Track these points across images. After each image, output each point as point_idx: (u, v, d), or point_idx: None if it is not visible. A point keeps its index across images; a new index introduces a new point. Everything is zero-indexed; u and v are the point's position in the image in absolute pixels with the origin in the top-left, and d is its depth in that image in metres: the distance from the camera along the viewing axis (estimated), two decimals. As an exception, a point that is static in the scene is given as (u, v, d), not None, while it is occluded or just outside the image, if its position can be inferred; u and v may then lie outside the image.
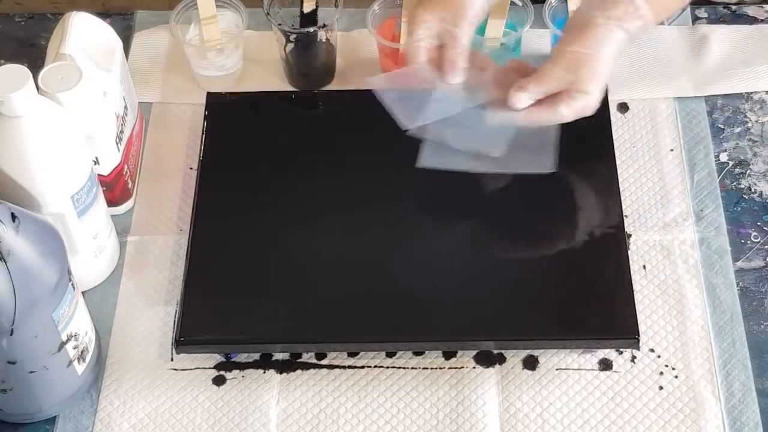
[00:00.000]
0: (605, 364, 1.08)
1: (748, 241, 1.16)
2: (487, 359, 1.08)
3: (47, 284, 0.95)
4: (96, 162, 1.13)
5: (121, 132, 1.17)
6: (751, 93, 1.27)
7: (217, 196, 1.16)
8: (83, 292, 1.07)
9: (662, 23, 1.32)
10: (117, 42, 1.19)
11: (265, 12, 1.24)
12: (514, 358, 1.08)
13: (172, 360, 1.09)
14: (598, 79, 1.06)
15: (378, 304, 1.08)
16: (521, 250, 1.12)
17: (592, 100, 1.06)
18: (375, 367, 1.08)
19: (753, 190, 1.19)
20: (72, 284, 1.00)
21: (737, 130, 1.24)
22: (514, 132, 1.10)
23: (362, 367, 1.09)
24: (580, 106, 1.06)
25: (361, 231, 1.13)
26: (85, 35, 1.13)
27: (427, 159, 1.12)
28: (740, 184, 1.20)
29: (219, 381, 1.08)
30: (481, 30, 1.25)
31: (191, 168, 1.22)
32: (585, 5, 1.07)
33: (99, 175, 1.12)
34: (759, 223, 1.17)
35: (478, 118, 1.11)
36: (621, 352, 1.08)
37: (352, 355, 1.09)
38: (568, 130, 1.19)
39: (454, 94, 1.11)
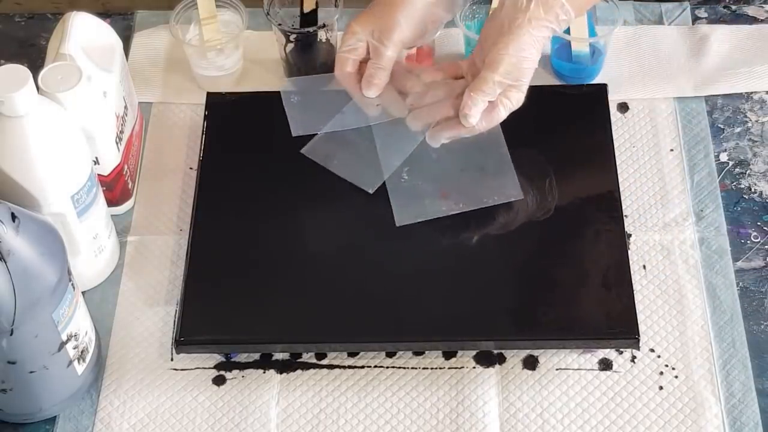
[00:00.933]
0: (605, 364, 1.08)
1: (748, 241, 1.16)
2: (487, 359, 1.08)
3: (47, 284, 0.95)
4: (96, 162, 1.13)
5: (121, 132, 1.17)
6: (751, 93, 1.27)
7: (217, 196, 1.16)
8: (83, 292, 1.07)
9: (662, 23, 1.32)
10: (117, 42, 1.19)
11: (265, 12, 1.24)
12: (514, 358, 1.08)
13: (172, 360, 1.09)
14: (529, 78, 1.08)
15: (378, 304, 1.08)
16: (521, 250, 1.12)
17: (522, 97, 1.08)
18: (375, 367, 1.08)
19: (753, 190, 1.19)
20: (72, 284, 1.00)
21: (737, 130, 1.24)
22: (410, 150, 1.13)
23: (362, 367, 1.09)
24: (514, 105, 1.08)
25: (362, 231, 1.13)
26: (85, 35, 1.13)
27: (402, 217, 1.13)
28: (740, 184, 1.20)
29: (219, 381, 1.08)
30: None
31: (191, 168, 1.22)
32: (511, 5, 1.07)
33: (99, 175, 1.12)
34: (759, 223, 1.17)
35: (381, 134, 1.14)
36: (621, 352, 1.08)
37: (352, 355, 1.09)
38: (568, 130, 1.19)
39: (361, 111, 1.14)
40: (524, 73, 1.07)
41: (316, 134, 1.17)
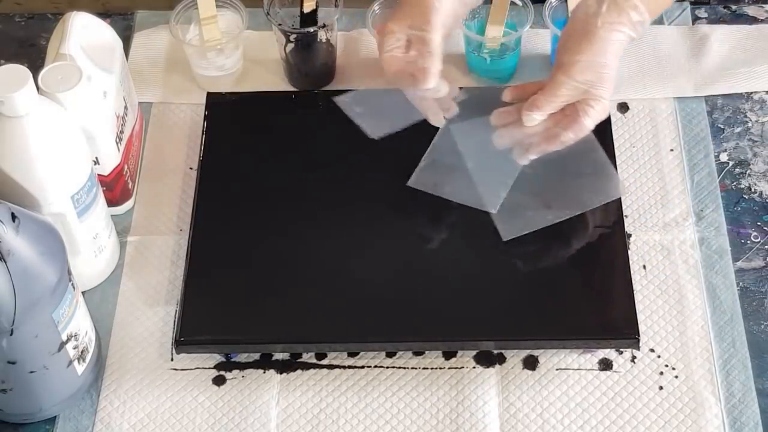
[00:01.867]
0: (605, 364, 1.08)
1: (748, 241, 1.16)
2: (487, 359, 1.08)
3: (47, 284, 0.95)
4: (96, 162, 1.13)
5: (121, 132, 1.17)
6: (751, 93, 1.27)
7: (217, 196, 1.16)
8: (83, 292, 1.07)
9: (662, 23, 1.32)
10: (117, 42, 1.19)
11: (265, 12, 1.24)
12: (514, 358, 1.08)
13: (172, 360, 1.09)
14: (610, 85, 1.06)
15: (378, 304, 1.08)
16: (521, 250, 1.12)
17: (606, 105, 1.06)
18: (375, 367, 1.08)
19: (753, 190, 1.19)
20: (72, 284, 1.00)
21: (737, 130, 1.24)
22: (509, 185, 1.11)
23: (362, 367, 1.09)
24: (598, 114, 1.06)
25: (362, 230, 1.13)
26: (85, 35, 1.13)
27: (507, 231, 1.11)
28: (740, 184, 1.20)
29: (219, 381, 1.08)
30: (481, 30, 1.25)
31: (191, 168, 1.22)
32: (583, 11, 1.07)
33: (99, 175, 1.12)
34: (759, 223, 1.17)
35: (484, 162, 1.12)
36: (621, 352, 1.08)
37: (352, 355, 1.09)
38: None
39: (452, 138, 1.12)
40: (602, 79, 1.05)
41: (396, 130, 1.14)
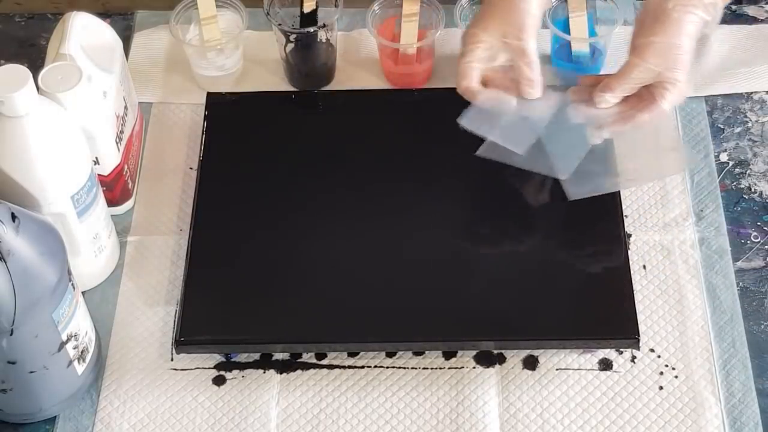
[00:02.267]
0: (605, 364, 1.08)
1: (748, 241, 1.16)
2: (487, 359, 1.08)
3: (47, 284, 0.95)
4: (96, 162, 1.13)
5: (121, 132, 1.17)
6: (751, 93, 1.27)
7: (217, 196, 1.16)
8: (83, 292, 1.07)
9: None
10: (117, 42, 1.19)
11: (265, 12, 1.24)
12: (514, 358, 1.08)
13: (172, 360, 1.09)
14: (685, 67, 1.05)
15: (378, 304, 1.08)
16: (521, 250, 1.12)
17: (683, 88, 1.06)
18: (375, 367, 1.08)
19: (753, 190, 1.19)
20: (72, 284, 1.00)
21: (737, 130, 1.24)
22: (581, 157, 1.10)
23: (362, 367, 1.09)
24: (675, 97, 1.06)
25: (361, 231, 1.13)
26: (85, 35, 1.13)
27: (574, 191, 1.10)
28: (740, 184, 1.20)
29: (219, 381, 1.08)
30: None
31: (191, 168, 1.22)
32: None
33: (99, 175, 1.12)
34: (759, 223, 1.17)
35: (558, 134, 1.10)
36: (621, 352, 1.08)
37: (352, 355, 1.09)
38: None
39: (534, 110, 1.10)
40: (677, 62, 1.04)
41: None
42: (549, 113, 1.10)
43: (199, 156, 1.19)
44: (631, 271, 1.10)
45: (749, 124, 1.24)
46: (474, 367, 1.08)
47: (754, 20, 1.33)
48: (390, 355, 1.09)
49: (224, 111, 1.23)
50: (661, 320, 1.10)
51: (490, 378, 1.07)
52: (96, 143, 1.12)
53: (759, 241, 1.16)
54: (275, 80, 1.29)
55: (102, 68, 1.14)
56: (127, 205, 1.20)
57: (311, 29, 1.24)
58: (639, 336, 1.05)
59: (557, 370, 1.08)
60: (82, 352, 1.04)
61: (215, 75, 1.28)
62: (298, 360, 1.09)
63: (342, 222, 1.14)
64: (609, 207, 1.13)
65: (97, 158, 1.13)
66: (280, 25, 1.24)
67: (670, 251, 1.15)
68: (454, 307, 1.08)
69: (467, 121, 1.10)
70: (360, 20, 1.31)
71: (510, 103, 1.09)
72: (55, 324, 0.98)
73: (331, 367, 1.09)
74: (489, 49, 1.07)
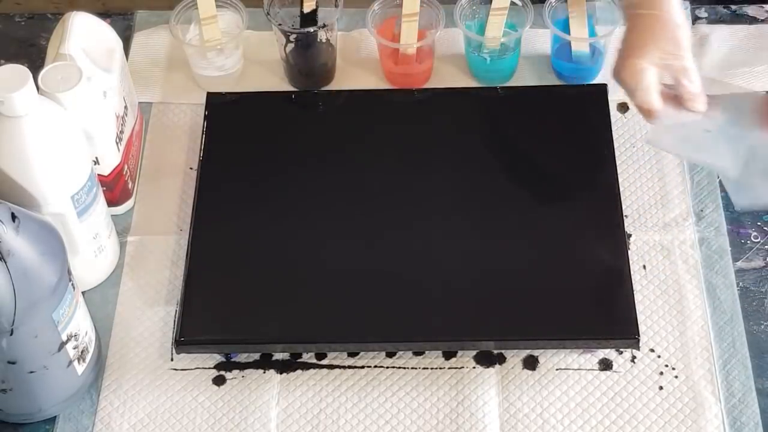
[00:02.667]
0: (605, 364, 1.08)
1: (748, 241, 1.16)
2: (487, 359, 1.08)
3: (47, 284, 0.95)
4: (96, 162, 1.13)
5: (121, 132, 1.17)
6: (751, 93, 1.27)
7: (217, 196, 1.16)
8: (83, 292, 1.07)
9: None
10: (117, 42, 1.19)
11: (265, 12, 1.24)
12: (514, 358, 1.08)
13: (172, 360, 1.09)
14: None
15: (378, 304, 1.08)
16: (521, 250, 1.12)
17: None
18: (375, 367, 1.08)
19: (753, 190, 1.19)
20: (72, 284, 1.00)
21: (737, 130, 1.24)
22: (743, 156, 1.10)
23: (362, 367, 1.09)
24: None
25: (361, 231, 1.13)
26: (85, 35, 1.13)
27: (741, 201, 1.10)
28: (740, 184, 1.20)
29: (219, 381, 1.08)
30: (481, 30, 1.25)
31: (191, 168, 1.22)
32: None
33: (99, 175, 1.12)
34: (759, 223, 1.17)
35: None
36: (621, 352, 1.08)
37: (352, 355, 1.09)
38: (569, 130, 1.19)
39: (712, 121, 1.10)
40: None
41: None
42: (722, 120, 1.09)
43: (199, 156, 1.19)
44: (631, 271, 1.10)
45: (749, 124, 1.24)
46: (474, 367, 1.08)
47: (754, 20, 1.33)
48: (390, 355, 1.09)
49: (224, 111, 1.23)
50: (661, 320, 1.10)
51: (490, 378, 1.07)
52: (96, 143, 1.12)
53: (759, 241, 1.16)
54: (275, 80, 1.29)
55: (102, 68, 1.14)
56: (127, 205, 1.20)
57: (311, 29, 1.24)
58: (639, 336, 1.05)
59: (557, 370, 1.08)
60: (82, 352, 1.04)
61: (215, 75, 1.28)
62: (298, 360, 1.09)
63: (342, 222, 1.14)
64: (609, 207, 1.13)
65: (97, 158, 1.13)
66: (280, 25, 1.24)
67: (670, 251, 1.15)
68: (454, 307, 1.08)
69: (656, 142, 1.13)
70: (360, 20, 1.31)
71: (695, 116, 1.08)
72: (55, 324, 0.98)
73: (331, 367, 1.09)
74: (655, 74, 1.06)
